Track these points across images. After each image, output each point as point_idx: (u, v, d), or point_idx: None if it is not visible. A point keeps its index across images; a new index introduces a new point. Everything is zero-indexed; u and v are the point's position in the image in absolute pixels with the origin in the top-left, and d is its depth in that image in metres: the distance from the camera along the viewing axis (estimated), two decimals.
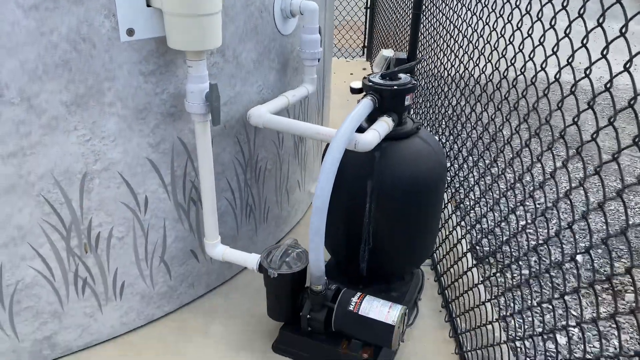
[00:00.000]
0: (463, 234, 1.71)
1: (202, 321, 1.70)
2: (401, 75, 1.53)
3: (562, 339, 1.81)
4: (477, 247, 2.12)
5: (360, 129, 1.43)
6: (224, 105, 1.56)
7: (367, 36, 4.85)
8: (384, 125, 1.43)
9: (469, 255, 1.70)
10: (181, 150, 1.52)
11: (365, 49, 4.92)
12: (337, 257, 1.75)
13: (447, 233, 1.87)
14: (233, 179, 1.72)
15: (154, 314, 1.67)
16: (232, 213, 1.78)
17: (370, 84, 1.47)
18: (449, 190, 2.01)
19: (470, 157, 1.77)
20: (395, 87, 1.46)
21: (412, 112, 2.38)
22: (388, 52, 2.34)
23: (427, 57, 2.43)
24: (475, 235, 1.69)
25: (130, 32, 1.29)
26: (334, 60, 4.56)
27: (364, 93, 1.50)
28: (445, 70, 2.04)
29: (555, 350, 1.16)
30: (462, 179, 1.87)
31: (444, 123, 2.08)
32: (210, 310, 1.75)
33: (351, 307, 1.45)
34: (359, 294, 1.49)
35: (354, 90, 1.57)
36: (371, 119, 1.49)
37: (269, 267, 1.48)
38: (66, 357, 1.53)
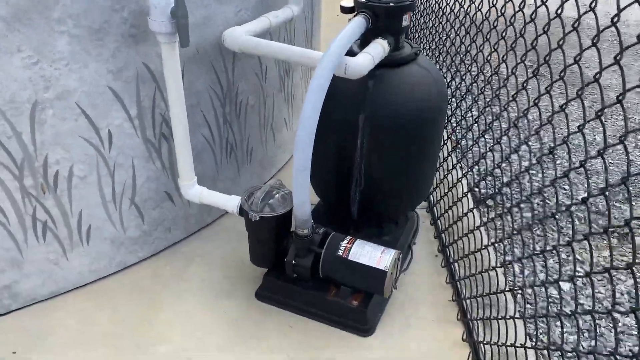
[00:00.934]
0: (463, 173, 1.58)
1: (180, 267, 1.59)
2: None
3: (565, 285, 1.73)
4: (477, 189, 2.00)
5: (352, 54, 1.26)
6: (195, 26, 1.38)
7: None
8: (379, 48, 1.26)
9: (469, 196, 1.57)
10: (147, 78, 1.35)
11: None
12: (326, 200, 1.63)
13: (445, 173, 1.74)
14: (210, 112, 1.56)
15: (126, 260, 1.56)
16: (210, 151, 1.63)
17: (363, 0, 1.29)
18: (448, 127, 1.86)
19: (473, 89, 1.61)
20: (391, 3, 1.28)
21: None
22: None
23: None
24: (475, 176, 1.56)
25: None
26: None
27: (356, 12, 1.32)
28: None
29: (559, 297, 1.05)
30: (463, 112, 1.72)
31: (444, 51, 1.90)
32: (188, 256, 1.63)
33: (340, 252, 1.34)
34: (348, 238, 1.38)
35: (344, 10, 1.39)
36: (364, 43, 1.32)
37: (250, 209, 1.35)
38: (31, 307, 1.42)
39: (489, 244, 1.30)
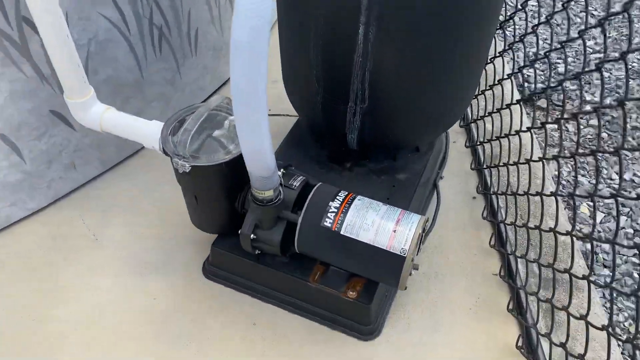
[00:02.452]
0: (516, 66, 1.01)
1: (91, 225, 1.10)
2: None
3: None
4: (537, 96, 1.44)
5: None
6: None
7: None
8: None
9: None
10: None
11: None
12: (309, 119, 1.08)
13: (502, 78, 1.17)
14: None
15: (8, 216, 1.06)
16: (123, 42, 1.05)
17: None
18: None
19: None
20: None
21: None
22: None
23: None
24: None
25: None
26: None
27: None
28: None
29: None
30: None
31: None
32: (105, 205, 1.14)
33: (328, 223, 0.83)
34: (342, 195, 0.86)
35: None
36: None
37: (176, 153, 0.82)
38: None
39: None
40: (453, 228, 1.10)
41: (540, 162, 0.90)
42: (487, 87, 1.27)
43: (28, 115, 0.97)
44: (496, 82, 1.19)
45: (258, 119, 0.65)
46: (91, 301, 0.97)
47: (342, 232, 0.82)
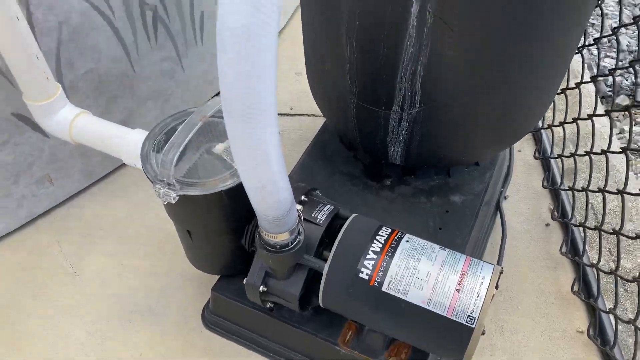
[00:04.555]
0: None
1: (71, 252, 0.90)
2: None
3: None
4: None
5: None
6: None
7: None
8: None
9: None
10: None
11: None
12: (340, 127, 0.86)
13: (576, 81, 0.93)
14: None
15: None
16: (104, 26, 0.84)
17: None
18: None
19: None
20: None
21: None
22: None
23: None
24: None
25: None
26: None
27: None
28: None
29: None
30: None
31: None
32: (87, 226, 0.94)
33: (365, 275, 0.61)
34: (384, 233, 0.64)
35: None
36: None
37: (158, 178, 0.61)
38: None
39: None
40: (522, 266, 0.87)
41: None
42: (560, 91, 1.02)
43: None
44: (574, 85, 0.94)
45: (264, 142, 0.43)
46: (59, 355, 0.77)
47: (384, 289, 0.60)
